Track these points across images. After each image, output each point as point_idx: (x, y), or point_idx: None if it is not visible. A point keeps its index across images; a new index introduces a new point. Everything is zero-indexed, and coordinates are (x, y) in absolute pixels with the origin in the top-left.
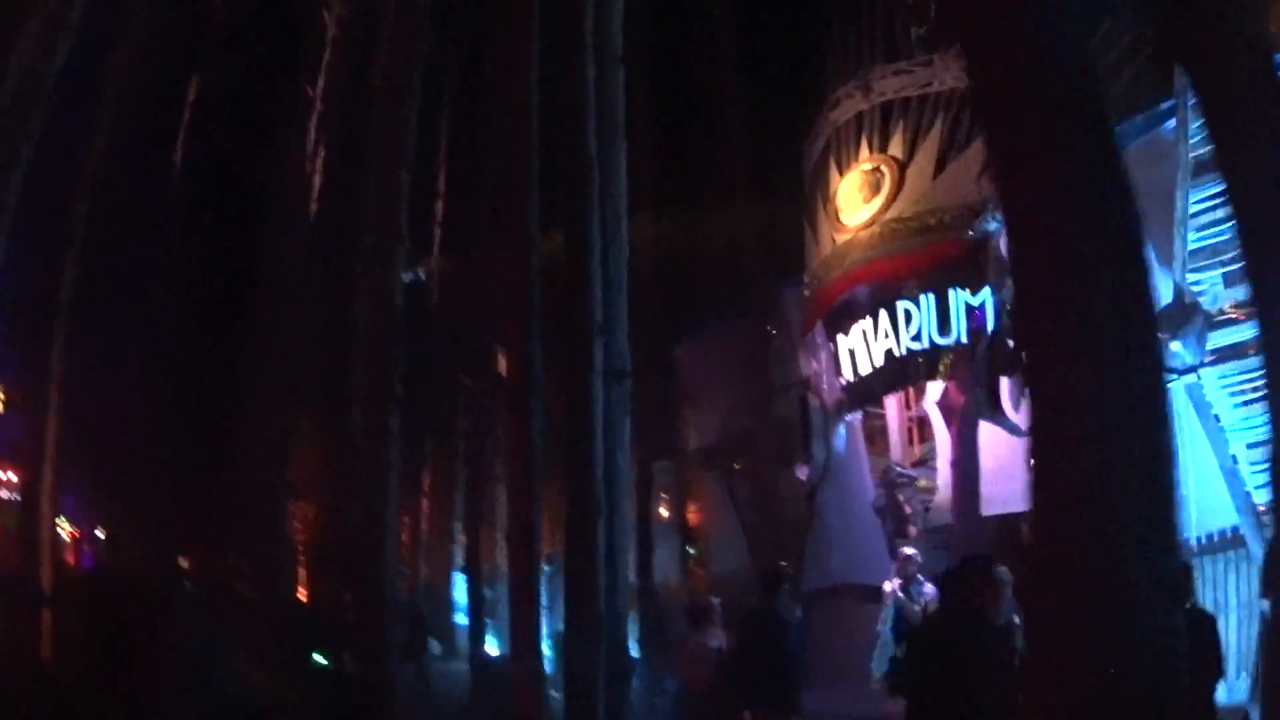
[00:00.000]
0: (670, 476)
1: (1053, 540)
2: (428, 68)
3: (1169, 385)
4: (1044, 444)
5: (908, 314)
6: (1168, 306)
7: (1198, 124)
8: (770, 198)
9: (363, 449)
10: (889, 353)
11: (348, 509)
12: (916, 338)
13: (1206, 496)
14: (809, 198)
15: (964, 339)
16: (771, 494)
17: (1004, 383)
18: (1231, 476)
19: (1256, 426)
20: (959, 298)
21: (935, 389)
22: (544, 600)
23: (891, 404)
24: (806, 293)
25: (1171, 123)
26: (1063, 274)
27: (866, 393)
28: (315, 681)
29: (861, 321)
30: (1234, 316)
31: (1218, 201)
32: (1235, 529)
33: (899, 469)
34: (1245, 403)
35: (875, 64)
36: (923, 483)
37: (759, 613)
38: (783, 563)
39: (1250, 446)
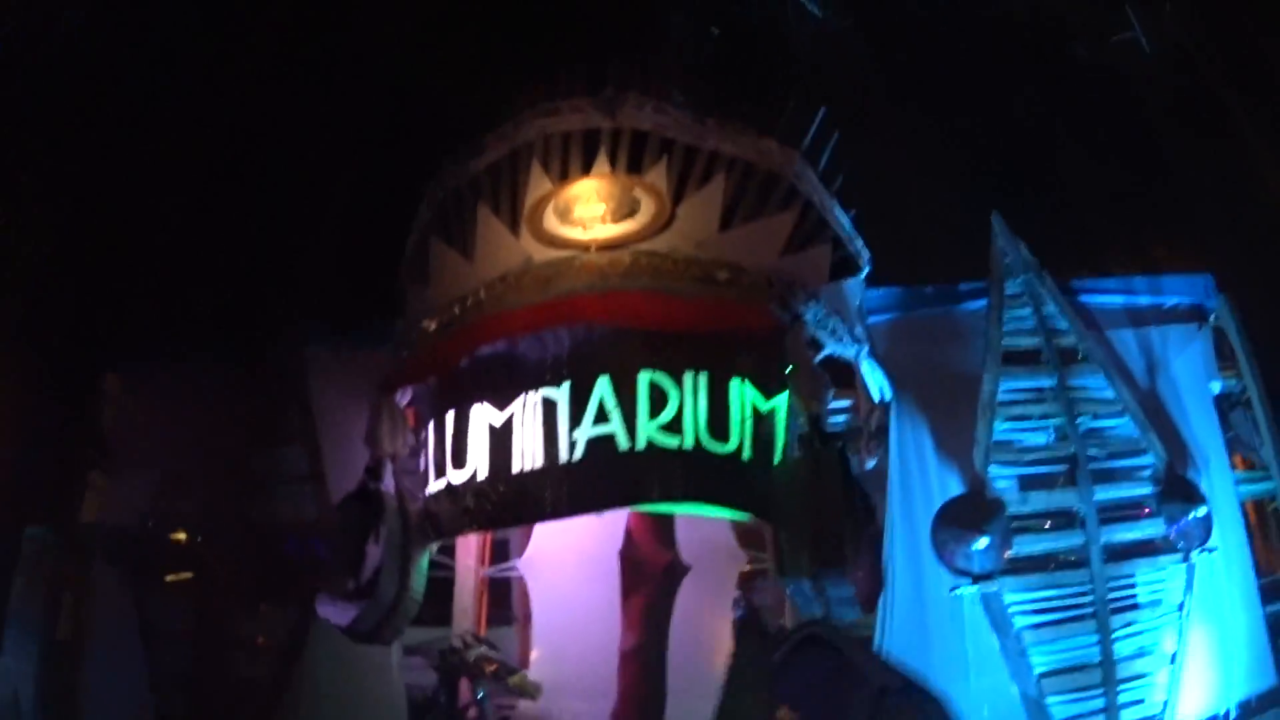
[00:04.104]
0: (45, 553)
1: None
2: None
3: (961, 592)
4: None
5: (658, 392)
6: (964, 498)
7: (1014, 313)
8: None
9: None
10: (602, 443)
11: None
12: (672, 428)
13: None
14: (457, 201)
15: (748, 453)
16: (228, 633)
17: None
18: (1035, 709)
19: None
20: (744, 394)
21: (558, 537)
22: None
23: (467, 548)
24: (429, 326)
25: (971, 304)
26: None
27: (515, 505)
28: None
29: (549, 388)
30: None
31: (1025, 397)
32: None
33: (482, 647)
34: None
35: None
36: (517, 678)
37: None
38: None
39: (1044, 676)
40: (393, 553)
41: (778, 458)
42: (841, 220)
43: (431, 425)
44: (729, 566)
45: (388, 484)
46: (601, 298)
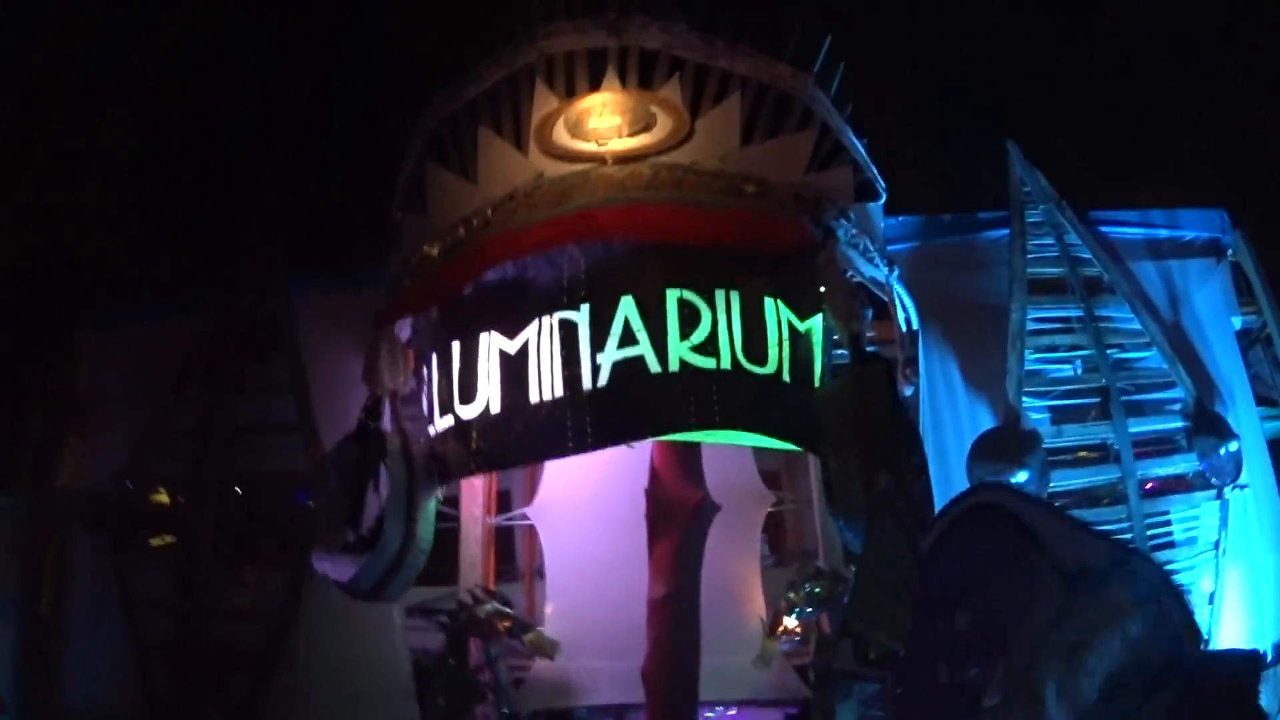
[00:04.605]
0: (20, 524)
1: None
2: None
3: None
4: None
5: (688, 311)
6: (999, 431)
7: (1036, 242)
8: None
9: None
10: (629, 366)
11: None
12: (705, 349)
13: None
14: (453, 128)
15: (787, 377)
16: (217, 599)
17: None
18: None
19: None
20: (779, 313)
21: (571, 480)
22: None
23: (473, 495)
24: (431, 251)
25: (991, 233)
26: None
27: (534, 439)
28: None
29: (566, 310)
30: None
31: (1053, 327)
32: None
33: (494, 602)
34: None
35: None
36: (533, 635)
37: None
38: None
39: None
40: (397, 499)
41: (817, 381)
42: (857, 145)
43: (435, 358)
44: (756, 508)
45: (388, 424)
46: (621, 211)
